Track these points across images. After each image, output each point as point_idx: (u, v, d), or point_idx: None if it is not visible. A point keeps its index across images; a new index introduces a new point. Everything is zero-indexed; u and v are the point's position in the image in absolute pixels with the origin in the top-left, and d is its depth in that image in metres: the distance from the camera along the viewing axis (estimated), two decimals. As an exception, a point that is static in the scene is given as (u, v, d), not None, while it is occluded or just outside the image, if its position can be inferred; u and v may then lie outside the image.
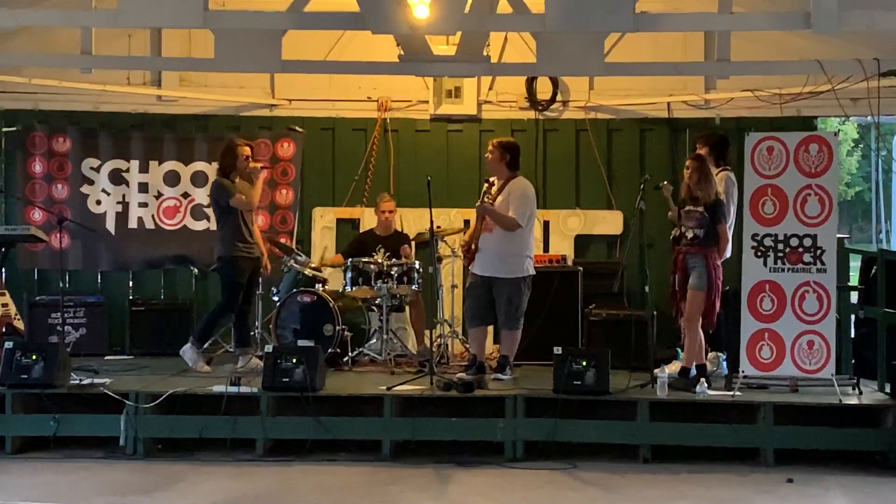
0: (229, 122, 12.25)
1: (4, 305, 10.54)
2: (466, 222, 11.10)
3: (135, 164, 12.00)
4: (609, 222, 12.03)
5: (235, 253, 9.78)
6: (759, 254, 8.81)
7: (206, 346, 10.15)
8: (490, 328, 9.92)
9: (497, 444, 8.38)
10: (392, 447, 8.35)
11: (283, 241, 11.44)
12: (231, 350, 10.73)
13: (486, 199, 9.36)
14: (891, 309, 8.99)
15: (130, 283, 12.10)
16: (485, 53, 9.41)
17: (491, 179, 9.54)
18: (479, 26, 8.34)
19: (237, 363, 9.87)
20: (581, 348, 10.01)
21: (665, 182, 9.44)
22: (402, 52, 9.00)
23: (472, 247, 9.42)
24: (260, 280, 10.39)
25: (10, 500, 7.13)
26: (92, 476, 7.78)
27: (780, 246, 8.78)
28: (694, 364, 9.09)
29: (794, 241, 8.76)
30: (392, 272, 10.35)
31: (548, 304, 10.40)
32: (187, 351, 9.84)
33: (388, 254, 10.49)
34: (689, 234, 8.93)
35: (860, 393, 8.76)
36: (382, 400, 8.44)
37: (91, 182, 11.98)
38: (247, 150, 9.98)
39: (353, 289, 10.52)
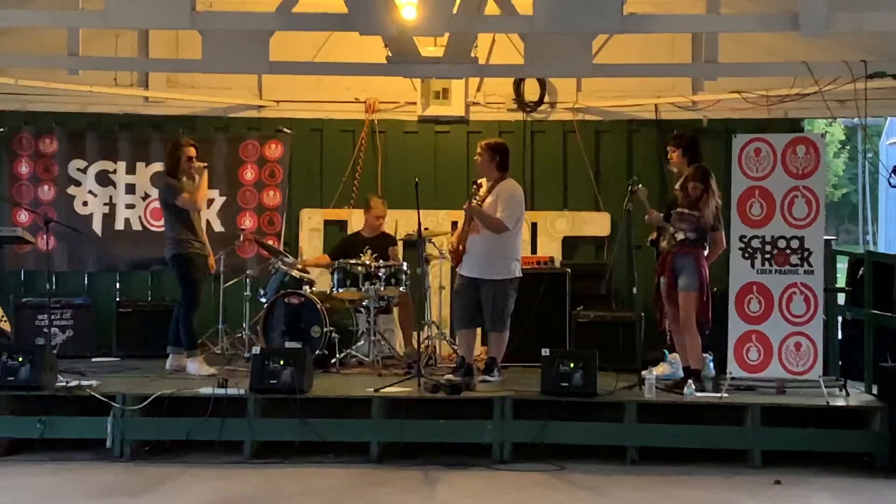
0: (217, 124, 12.24)
1: (-9, 307, 10.52)
2: (454, 224, 11.10)
3: (122, 165, 11.99)
4: (597, 224, 12.04)
5: (191, 250, 9.71)
6: (747, 255, 8.81)
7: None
8: (478, 330, 9.90)
9: (485, 445, 8.37)
10: (380, 449, 8.33)
11: (270, 242, 11.43)
12: (218, 351, 10.72)
13: (474, 201, 9.35)
14: (878, 310, 9.02)
15: (117, 285, 12.08)
16: (472, 55, 9.40)
17: (479, 181, 9.54)
18: (467, 28, 8.34)
19: (172, 363, 9.82)
20: (569, 350, 10.00)
21: (640, 185, 9.36)
22: (389, 54, 9.00)
23: (461, 248, 9.42)
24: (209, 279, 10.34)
25: (-4, 502, 7.12)
26: (78, 478, 7.75)
27: (768, 247, 8.78)
28: (681, 366, 9.12)
29: (781, 243, 8.76)
30: (379, 274, 10.34)
31: (535, 305, 10.40)
32: (189, 366, 9.70)
33: (375, 255, 10.47)
34: (680, 236, 8.93)
35: (847, 394, 8.80)
36: (370, 402, 8.42)
37: (78, 183, 11.96)
38: (191, 151, 9.84)
39: (341, 290, 10.50)
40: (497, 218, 9.25)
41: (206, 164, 9.99)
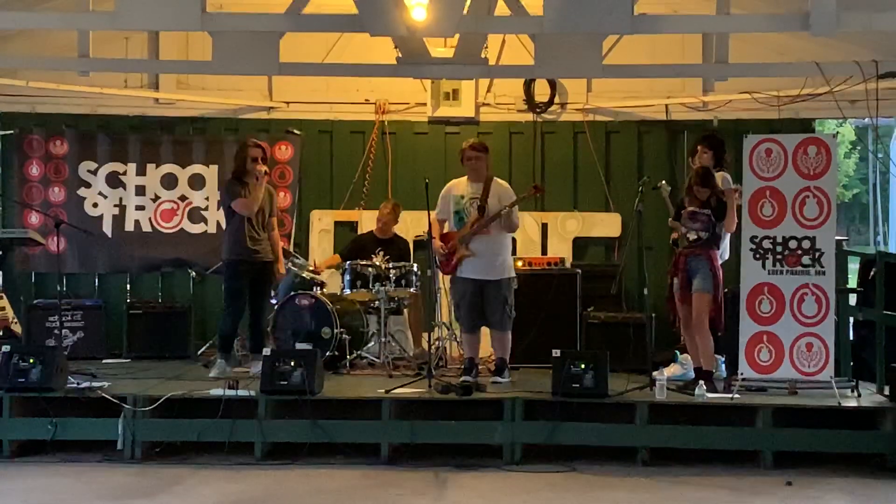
0: (227, 125, 12.26)
1: (2, 309, 10.51)
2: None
3: (132, 166, 12.02)
4: (607, 224, 12.04)
5: (234, 257, 9.61)
6: (758, 256, 8.79)
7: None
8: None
9: (496, 446, 8.36)
10: (390, 450, 8.33)
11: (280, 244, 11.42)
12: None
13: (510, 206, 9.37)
14: (889, 311, 8.98)
15: (128, 287, 12.10)
16: (483, 55, 9.39)
17: (540, 186, 9.54)
18: (477, 28, 8.32)
19: (249, 368, 9.66)
20: (579, 351, 9.97)
21: (663, 182, 9.44)
22: (399, 55, 8.99)
23: (465, 251, 9.34)
24: (271, 284, 10.18)
25: (8, 503, 7.12)
26: (90, 479, 7.76)
27: (779, 248, 8.76)
28: (693, 367, 9.10)
29: (792, 244, 8.74)
30: (390, 275, 10.33)
31: (546, 306, 10.39)
32: (216, 367, 9.65)
33: (386, 257, 10.47)
34: (692, 236, 8.92)
35: (859, 395, 8.77)
36: (381, 403, 8.42)
37: (88, 185, 11.99)
38: (255, 152, 9.67)
39: (352, 292, 10.50)
40: (517, 218, 9.44)
41: (266, 170, 9.76)
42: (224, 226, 10.12)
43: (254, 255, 9.65)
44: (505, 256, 9.49)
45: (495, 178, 9.57)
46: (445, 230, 9.60)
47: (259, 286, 9.83)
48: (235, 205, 9.55)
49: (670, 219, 9.28)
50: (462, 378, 9.14)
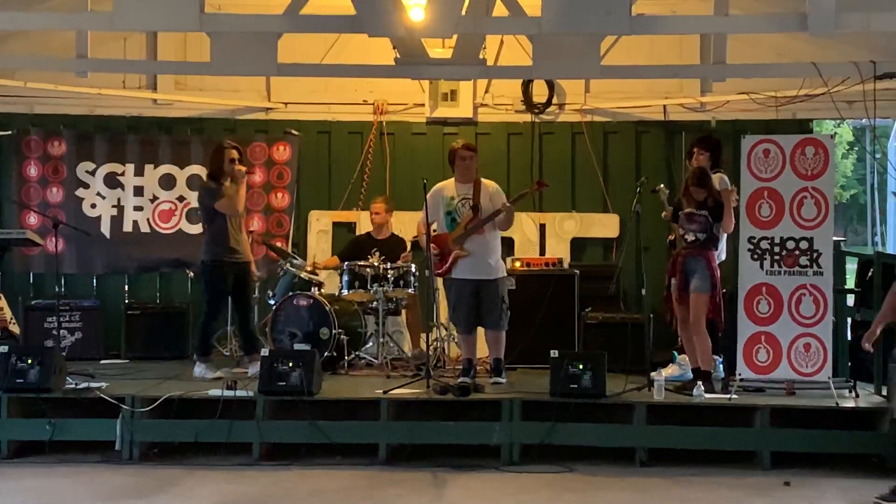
0: (225, 126, 12.25)
1: (0, 309, 10.51)
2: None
3: (130, 167, 12.01)
4: (605, 225, 12.04)
5: (218, 258, 9.60)
6: (756, 256, 8.80)
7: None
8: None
9: (494, 447, 8.36)
10: (388, 451, 8.33)
11: (278, 244, 11.43)
12: (226, 354, 10.73)
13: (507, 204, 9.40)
14: (887, 312, 8.98)
15: (126, 287, 12.10)
16: (481, 56, 9.40)
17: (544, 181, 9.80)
18: (476, 29, 8.33)
19: (247, 369, 9.62)
20: (578, 351, 9.97)
21: (661, 185, 9.47)
22: (398, 56, 8.99)
23: (461, 252, 9.33)
24: (253, 284, 10.25)
25: (6, 504, 7.13)
26: (88, 480, 7.76)
27: (777, 249, 8.77)
28: (691, 368, 9.10)
29: (790, 244, 8.75)
30: (388, 275, 10.33)
31: (544, 307, 10.39)
32: (196, 369, 9.64)
33: (383, 257, 10.46)
34: (690, 237, 8.92)
35: (857, 396, 8.78)
36: (379, 403, 8.42)
37: (86, 186, 11.98)
38: (233, 154, 9.68)
39: (350, 292, 10.50)
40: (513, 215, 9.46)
41: (247, 169, 9.89)
42: (202, 228, 10.02)
43: (235, 256, 9.68)
44: (498, 256, 9.51)
45: (482, 178, 9.57)
46: (434, 232, 9.60)
47: (241, 288, 9.86)
48: (220, 205, 9.53)
49: (663, 213, 9.29)
50: (460, 379, 9.13)
